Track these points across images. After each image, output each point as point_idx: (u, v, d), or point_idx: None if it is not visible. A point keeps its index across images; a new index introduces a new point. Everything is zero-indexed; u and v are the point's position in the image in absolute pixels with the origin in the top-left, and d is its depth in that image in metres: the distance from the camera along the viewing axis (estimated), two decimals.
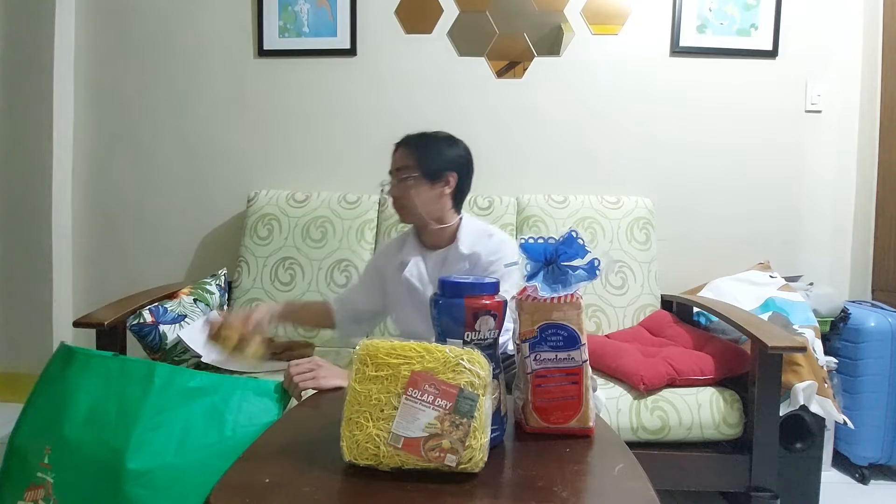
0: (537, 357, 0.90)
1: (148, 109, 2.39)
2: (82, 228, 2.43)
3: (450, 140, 1.46)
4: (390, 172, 1.45)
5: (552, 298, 0.89)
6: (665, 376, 1.55)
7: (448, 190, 1.43)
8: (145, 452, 1.07)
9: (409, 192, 1.39)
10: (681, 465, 1.51)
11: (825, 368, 1.71)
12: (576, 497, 0.72)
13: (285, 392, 1.22)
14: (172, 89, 2.37)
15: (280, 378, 1.28)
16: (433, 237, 1.47)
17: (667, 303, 2.07)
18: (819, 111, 2.28)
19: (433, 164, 1.40)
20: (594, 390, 1.30)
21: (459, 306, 0.85)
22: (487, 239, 1.44)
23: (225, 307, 2.01)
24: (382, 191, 1.47)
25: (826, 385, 1.64)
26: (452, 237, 1.46)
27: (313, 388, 1.14)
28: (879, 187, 2.19)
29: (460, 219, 1.48)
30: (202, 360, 1.60)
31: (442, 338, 0.87)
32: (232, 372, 1.43)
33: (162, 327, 1.65)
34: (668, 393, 1.55)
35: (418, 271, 1.46)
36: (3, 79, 2.35)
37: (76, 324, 1.59)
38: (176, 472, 1.09)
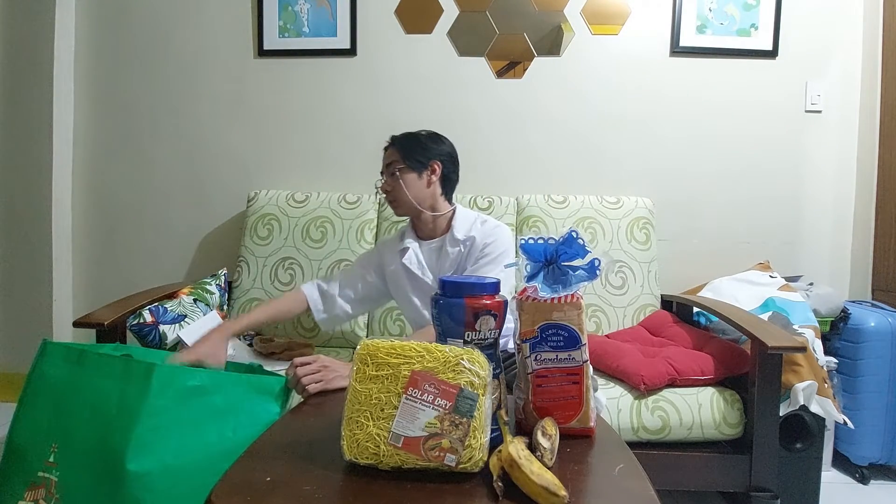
0: (538, 357, 0.90)
1: (148, 109, 2.38)
2: (82, 228, 2.43)
3: (432, 135, 1.55)
4: (381, 173, 1.55)
5: (552, 298, 0.89)
6: (666, 376, 1.54)
7: (435, 178, 1.51)
8: (145, 454, 1.07)
9: (398, 184, 1.48)
10: (681, 465, 1.50)
11: (825, 368, 1.70)
12: (576, 497, 0.72)
13: (287, 389, 1.21)
14: (172, 89, 2.37)
15: (280, 374, 1.28)
16: (428, 227, 1.55)
17: (667, 303, 2.07)
18: (819, 111, 2.27)
19: (417, 156, 1.50)
20: (595, 391, 1.31)
21: (460, 306, 0.84)
22: (481, 225, 1.51)
23: (225, 307, 2.00)
24: (377, 192, 1.55)
25: (826, 385, 1.63)
26: (447, 227, 1.53)
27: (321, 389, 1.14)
28: (879, 187, 2.19)
29: (454, 209, 1.56)
30: None
31: (442, 337, 0.87)
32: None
33: (162, 327, 1.65)
34: (668, 393, 1.55)
35: (416, 259, 1.53)
36: (3, 79, 2.35)
37: (76, 324, 1.59)
38: (177, 473, 1.08)
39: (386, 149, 1.56)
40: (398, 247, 1.57)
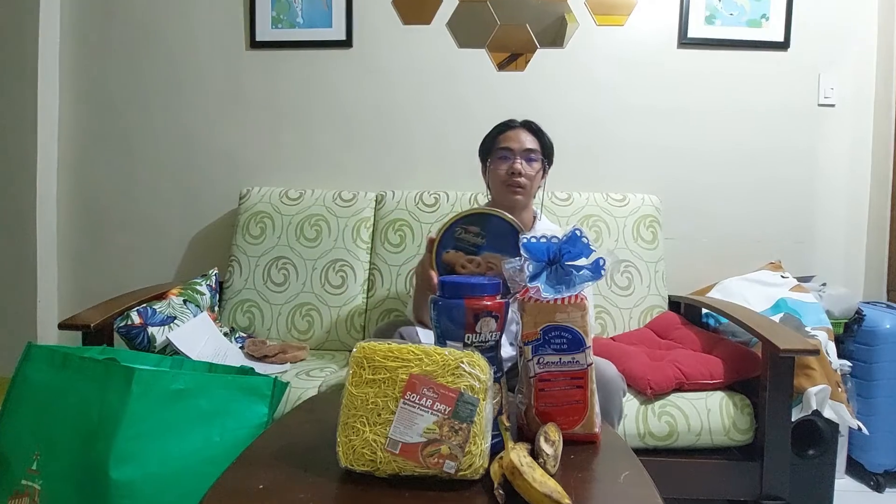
0: (540, 360, 0.89)
1: (136, 103, 2.35)
2: (68, 227, 2.39)
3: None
4: (515, 152, 1.55)
5: (556, 299, 0.88)
6: (673, 380, 1.53)
7: (544, 180, 1.63)
8: (128, 462, 1.06)
9: (538, 174, 1.57)
10: (689, 473, 1.49)
11: (839, 372, 1.68)
12: None
13: (275, 389, 1.22)
14: (161, 82, 2.34)
15: (271, 376, 1.26)
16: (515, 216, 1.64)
17: (674, 304, 2.05)
18: (832, 105, 2.24)
19: (550, 155, 1.61)
20: (624, 393, 1.34)
21: (459, 307, 0.83)
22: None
23: (216, 308, 1.97)
24: (501, 166, 1.54)
25: (840, 389, 1.62)
26: (529, 226, 1.62)
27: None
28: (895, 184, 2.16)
29: (536, 211, 1.67)
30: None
31: (442, 340, 0.86)
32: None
33: (150, 329, 1.62)
34: (676, 397, 1.53)
35: None
36: None
37: (62, 326, 1.58)
38: (161, 480, 1.08)
39: (517, 127, 1.59)
40: None
